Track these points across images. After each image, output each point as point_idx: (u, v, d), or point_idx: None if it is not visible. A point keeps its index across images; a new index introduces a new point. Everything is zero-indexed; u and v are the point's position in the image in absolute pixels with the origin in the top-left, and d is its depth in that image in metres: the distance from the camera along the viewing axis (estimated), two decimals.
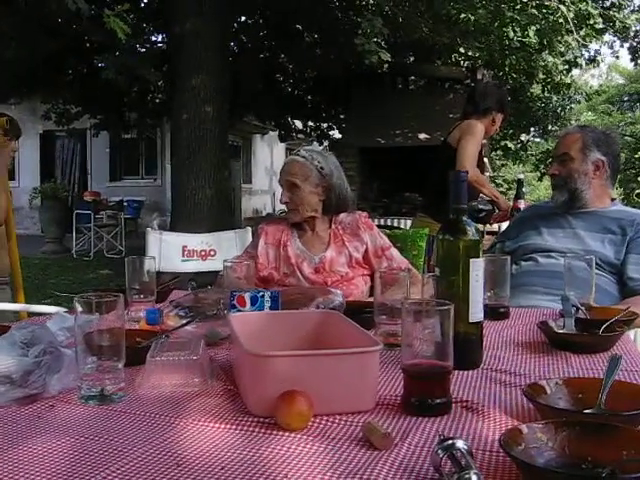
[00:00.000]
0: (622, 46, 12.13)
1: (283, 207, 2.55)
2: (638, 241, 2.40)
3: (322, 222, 2.50)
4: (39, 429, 1.10)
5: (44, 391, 1.25)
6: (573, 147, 2.54)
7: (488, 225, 4.41)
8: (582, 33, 10.11)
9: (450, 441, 0.90)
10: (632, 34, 11.70)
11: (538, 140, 21.24)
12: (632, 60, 12.93)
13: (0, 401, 1.21)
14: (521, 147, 18.14)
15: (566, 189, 2.56)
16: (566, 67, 12.76)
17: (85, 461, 0.97)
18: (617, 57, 24.23)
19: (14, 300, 3.63)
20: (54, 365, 1.27)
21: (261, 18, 12.88)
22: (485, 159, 5.10)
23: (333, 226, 2.50)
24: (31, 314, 3.04)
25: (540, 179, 21.51)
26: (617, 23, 10.84)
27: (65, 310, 1.99)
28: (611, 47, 12.99)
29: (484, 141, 4.28)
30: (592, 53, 13.27)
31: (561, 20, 9.46)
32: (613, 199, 2.65)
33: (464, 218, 1.48)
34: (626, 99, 29.69)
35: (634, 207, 2.97)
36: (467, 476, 0.83)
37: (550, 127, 18.21)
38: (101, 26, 6.60)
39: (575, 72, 14.07)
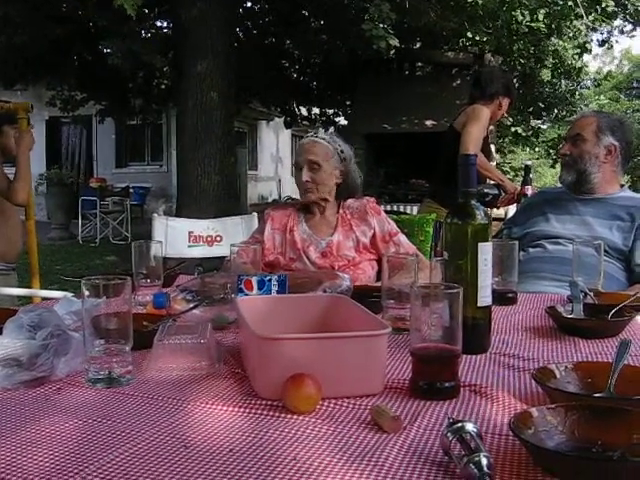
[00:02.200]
0: (635, 29, 11.92)
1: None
2: None
3: (332, 206, 2.50)
4: (47, 412, 1.10)
5: (51, 374, 1.25)
6: (587, 129, 2.52)
7: (495, 210, 4.40)
8: (591, 17, 10.00)
9: (459, 424, 0.90)
10: None
11: (545, 127, 21.10)
12: None
13: (8, 384, 1.21)
14: (532, 134, 18.00)
15: (575, 169, 2.54)
16: (577, 51, 12.63)
17: (93, 443, 0.97)
18: (632, 36, 24.02)
19: (29, 284, 3.65)
20: (61, 348, 1.27)
21: (267, 4, 12.81)
22: (492, 145, 5.07)
23: (341, 211, 2.50)
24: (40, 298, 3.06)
25: (553, 165, 21.39)
26: (629, 7, 10.69)
27: (72, 295, 1.98)
28: (622, 32, 12.78)
29: (491, 127, 4.26)
30: (605, 35, 13.12)
31: (570, 3, 9.35)
32: (621, 185, 2.64)
33: (473, 202, 1.47)
34: (635, 86, 29.50)
35: None
36: (477, 459, 0.83)
37: (560, 113, 18.08)
38: (107, 9, 6.58)
39: (586, 58, 13.96)
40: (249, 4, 12.69)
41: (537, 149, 21.33)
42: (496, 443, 0.96)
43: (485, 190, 3.71)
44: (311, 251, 2.42)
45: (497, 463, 0.88)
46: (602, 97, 25.79)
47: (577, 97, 19.22)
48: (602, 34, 13.18)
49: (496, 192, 3.74)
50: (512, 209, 4.31)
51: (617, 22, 11.83)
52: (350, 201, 2.53)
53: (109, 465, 0.90)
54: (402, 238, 2.49)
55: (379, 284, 1.84)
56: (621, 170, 2.58)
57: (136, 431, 1.01)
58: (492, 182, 3.85)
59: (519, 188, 3.61)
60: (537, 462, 0.88)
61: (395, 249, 2.42)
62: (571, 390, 1.14)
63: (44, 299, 3.03)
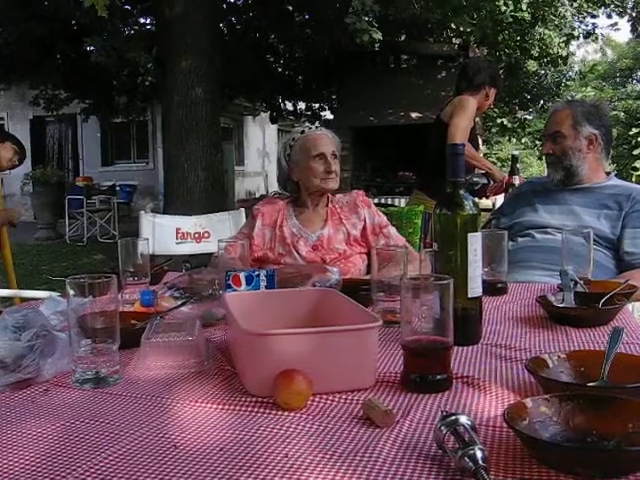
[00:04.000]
0: (622, 16, 11.91)
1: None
2: (634, 215, 2.39)
3: (323, 199, 2.49)
4: (33, 413, 1.09)
5: (38, 375, 1.23)
6: (564, 124, 2.51)
7: (484, 199, 4.39)
8: (576, 4, 10.01)
9: (453, 417, 0.89)
10: (630, 5, 11.54)
11: (531, 118, 21.16)
12: (632, 31, 12.75)
13: None
14: (519, 125, 18.04)
15: (561, 167, 2.54)
16: (564, 39, 12.63)
17: (81, 444, 0.95)
18: (618, 29, 24.15)
19: (6, 285, 3.63)
20: (47, 349, 1.25)
21: None
22: (478, 137, 5.07)
23: (330, 205, 2.49)
24: (23, 299, 3.03)
25: (540, 157, 21.46)
26: None
27: (58, 294, 1.96)
28: (609, 16, 12.72)
29: (477, 119, 4.26)
30: (590, 27, 13.14)
31: None
32: (608, 173, 2.63)
33: (461, 192, 1.46)
34: (618, 75, 29.63)
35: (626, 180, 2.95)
36: (471, 452, 0.82)
37: (546, 104, 18.12)
38: (84, 8, 6.53)
39: (571, 48, 13.93)
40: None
41: (523, 140, 21.39)
42: (490, 435, 0.95)
43: (474, 179, 3.70)
44: (301, 245, 2.41)
45: (492, 455, 0.87)
46: (588, 89, 25.82)
47: (563, 88, 19.26)
48: (587, 26, 13.22)
49: (485, 181, 3.74)
50: (500, 200, 4.31)
51: (602, 9, 11.81)
52: (339, 196, 2.53)
53: (98, 467, 0.88)
54: (392, 230, 2.49)
55: (368, 277, 1.83)
56: (605, 156, 2.57)
57: (125, 431, 1.00)
58: (481, 171, 3.85)
59: (507, 177, 3.61)
60: (532, 453, 0.87)
61: (385, 241, 2.42)
62: (564, 380, 1.13)
63: (23, 299, 3.00)
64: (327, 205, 2.49)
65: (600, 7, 11.24)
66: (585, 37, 13.20)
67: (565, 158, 2.51)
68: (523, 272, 2.38)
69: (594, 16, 11.83)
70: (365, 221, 2.45)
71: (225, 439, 0.96)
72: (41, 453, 0.93)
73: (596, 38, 13.03)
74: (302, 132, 2.50)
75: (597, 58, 33.13)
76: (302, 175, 2.46)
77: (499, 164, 22.11)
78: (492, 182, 3.74)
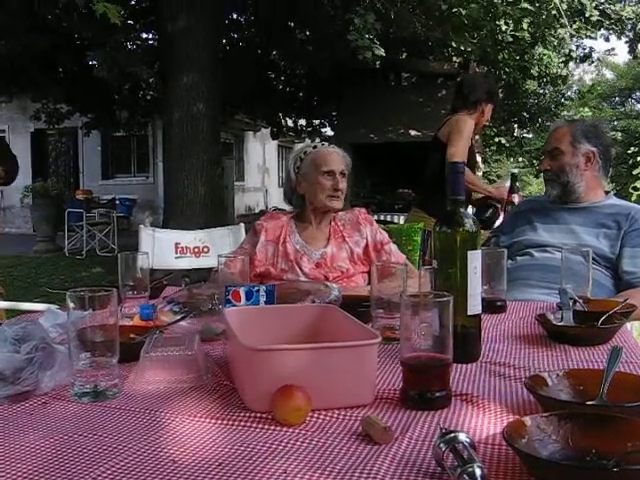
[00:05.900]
0: (620, 38, 11.98)
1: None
2: (633, 234, 2.40)
3: (327, 217, 2.50)
4: (31, 426, 1.08)
5: (36, 388, 1.22)
6: (563, 141, 2.53)
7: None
8: (575, 26, 10.10)
9: (452, 434, 0.89)
10: (629, 27, 11.64)
11: (530, 136, 21.24)
12: (630, 52, 12.81)
13: None
14: (516, 144, 18.12)
15: (558, 183, 2.55)
16: (562, 59, 12.72)
17: (79, 458, 0.95)
18: (615, 54, 24.31)
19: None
20: (46, 362, 1.25)
21: (252, 15, 12.83)
22: (477, 155, 5.07)
23: (332, 223, 2.49)
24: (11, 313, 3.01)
25: (537, 176, 21.55)
26: (612, 15, 10.81)
27: (57, 307, 1.96)
28: (607, 39, 12.82)
29: (476, 137, 4.26)
30: (587, 50, 13.24)
31: (554, 12, 9.43)
32: (607, 192, 2.64)
33: (461, 210, 1.47)
34: (616, 95, 29.81)
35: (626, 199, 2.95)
36: (470, 469, 0.82)
37: (545, 123, 18.22)
38: (92, 20, 6.56)
39: (570, 67, 14.04)
40: (235, 15, 12.71)
41: (520, 158, 21.49)
42: (489, 453, 0.95)
43: (485, 216, 3.67)
44: (304, 262, 2.41)
45: (491, 473, 0.87)
46: (586, 109, 25.96)
47: (561, 107, 19.38)
48: (584, 49, 13.33)
49: (492, 210, 3.70)
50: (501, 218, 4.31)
51: (602, 31, 11.89)
52: (341, 214, 2.53)
53: None
54: (393, 247, 2.49)
55: (368, 288, 1.83)
56: (603, 174, 2.58)
57: (123, 445, 0.99)
58: (480, 195, 3.83)
59: (506, 198, 3.60)
60: (531, 471, 0.87)
61: (386, 258, 2.42)
62: (563, 398, 1.13)
63: (8, 312, 2.98)
64: (330, 223, 2.50)
65: (599, 29, 11.32)
66: (582, 60, 13.31)
67: (562, 174, 2.52)
68: (522, 290, 2.38)
69: (592, 39, 11.93)
70: (367, 239, 2.46)
71: (223, 454, 0.96)
72: (39, 466, 0.93)
73: (593, 61, 13.13)
74: (314, 147, 2.51)
75: (595, 77, 33.32)
76: (309, 189, 2.46)
77: (499, 181, 22.14)
78: (499, 205, 3.71)
